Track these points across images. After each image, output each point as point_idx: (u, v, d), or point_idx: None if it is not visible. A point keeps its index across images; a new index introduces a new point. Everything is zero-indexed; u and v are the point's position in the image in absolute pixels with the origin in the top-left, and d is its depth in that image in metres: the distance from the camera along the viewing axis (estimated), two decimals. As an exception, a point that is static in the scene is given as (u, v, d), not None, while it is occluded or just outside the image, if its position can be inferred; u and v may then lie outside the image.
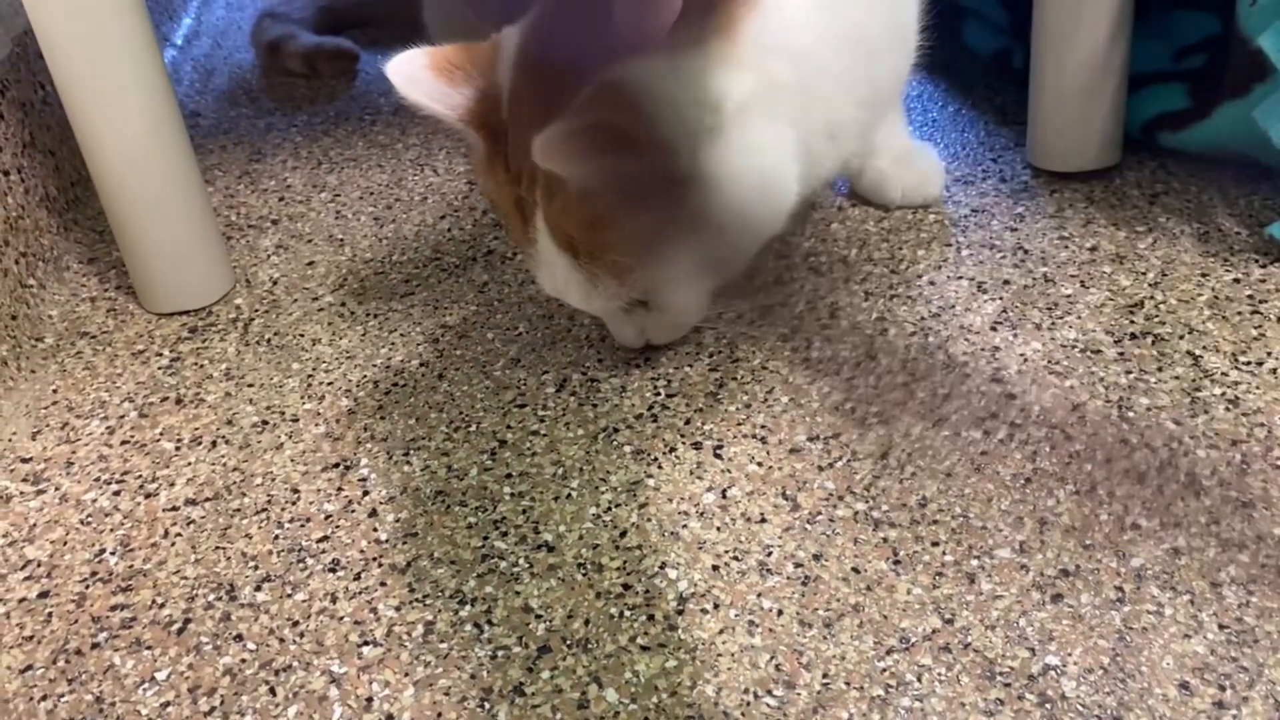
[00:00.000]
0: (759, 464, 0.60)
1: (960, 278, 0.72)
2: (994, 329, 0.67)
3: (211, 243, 0.77)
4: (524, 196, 0.58)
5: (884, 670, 0.48)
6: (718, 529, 0.56)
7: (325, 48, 1.07)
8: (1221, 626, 0.48)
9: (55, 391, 0.70)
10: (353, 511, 0.59)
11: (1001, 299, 0.70)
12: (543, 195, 0.57)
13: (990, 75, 0.96)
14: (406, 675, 0.50)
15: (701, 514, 0.57)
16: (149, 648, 0.53)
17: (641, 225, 0.58)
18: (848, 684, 0.48)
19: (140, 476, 0.63)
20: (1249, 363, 0.62)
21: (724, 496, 0.58)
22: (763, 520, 0.56)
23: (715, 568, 0.54)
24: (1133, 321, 0.67)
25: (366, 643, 0.52)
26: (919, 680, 0.48)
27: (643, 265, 0.59)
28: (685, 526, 0.56)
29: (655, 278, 0.60)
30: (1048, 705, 0.46)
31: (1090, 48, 0.76)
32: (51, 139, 0.86)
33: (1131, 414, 0.60)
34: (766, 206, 0.61)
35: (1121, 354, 0.64)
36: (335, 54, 1.07)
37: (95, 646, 0.53)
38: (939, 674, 0.48)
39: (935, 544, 0.54)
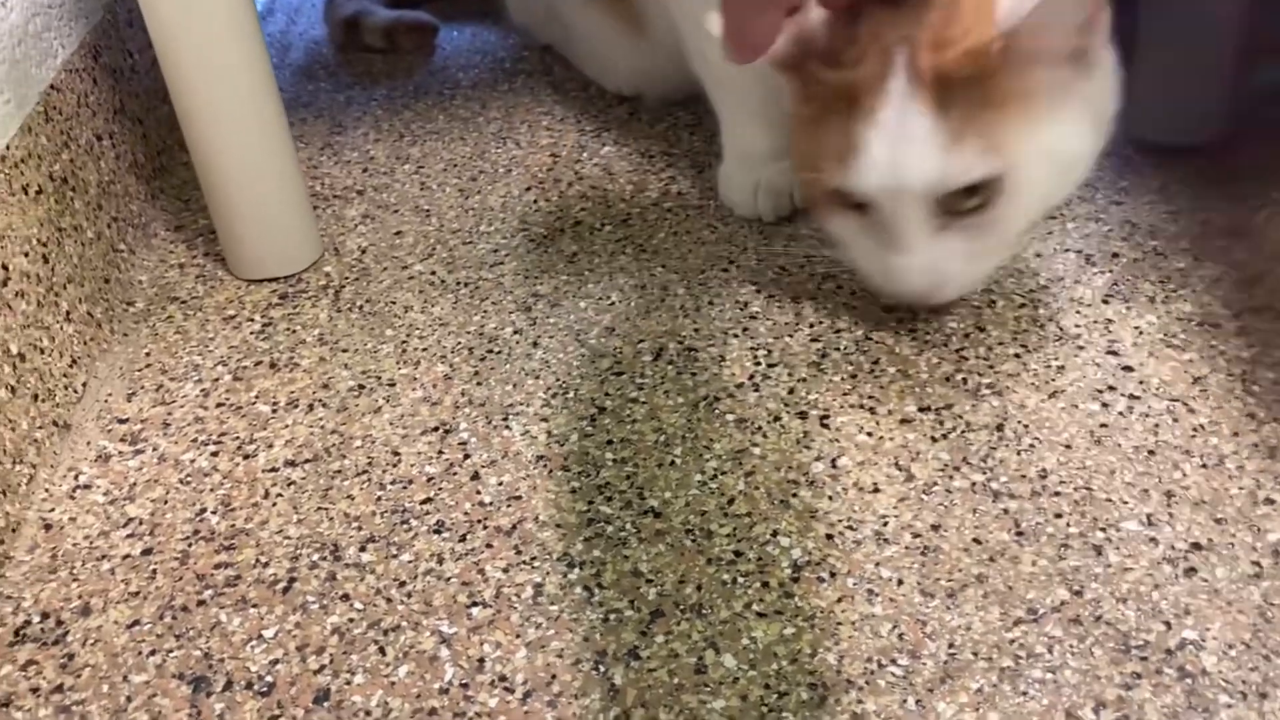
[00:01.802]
0: (869, 434, 0.58)
1: (1067, 250, 0.70)
2: (1105, 302, 0.65)
3: (302, 210, 0.77)
4: (879, 70, 0.56)
5: (1012, 641, 0.47)
6: (829, 498, 0.55)
7: (405, 21, 1.07)
8: (1370, 604, 0.46)
9: (148, 354, 0.70)
10: (454, 474, 0.58)
11: (1111, 272, 0.67)
12: (936, 47, 0.55)
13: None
14: (518, 637, 0.49)
15: (811, 483, 0.56)
16: (255, 606, 0.52)
17: (1043, 82, 0.55)
18: (975, 654, 0.46)
19: (238, 438, 0.63)
20: (1378, 338, 0.60)
21: (834, 466, 0.56)
22: (876, 490, 0.55)
23: (829, 536, 0.53)
24: (1252, 295, 0.64)
25: (475, 604, 0.51)
26: (1050, 652, 0.46)
27: (1023, 126, 0.55)
28: (795, 495, 0.55)
29: (1025, 151, 0.55)
30: (1188, 680, 0.44)
31: (1199, 19, 0.73)
32: (140, 107, 0.86)
33: (1257, 388, 0.58)
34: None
35: (1242, 328, 0.62)
36: (415, 27, 1.07)
37: (201, 604, 0.53)
38: (1070, 646, 0.46)
39: (1058, 515, 0.52)
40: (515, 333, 0.69)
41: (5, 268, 0.60)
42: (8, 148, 0.64)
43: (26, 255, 0.63)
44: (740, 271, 0.72)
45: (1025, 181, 0.57)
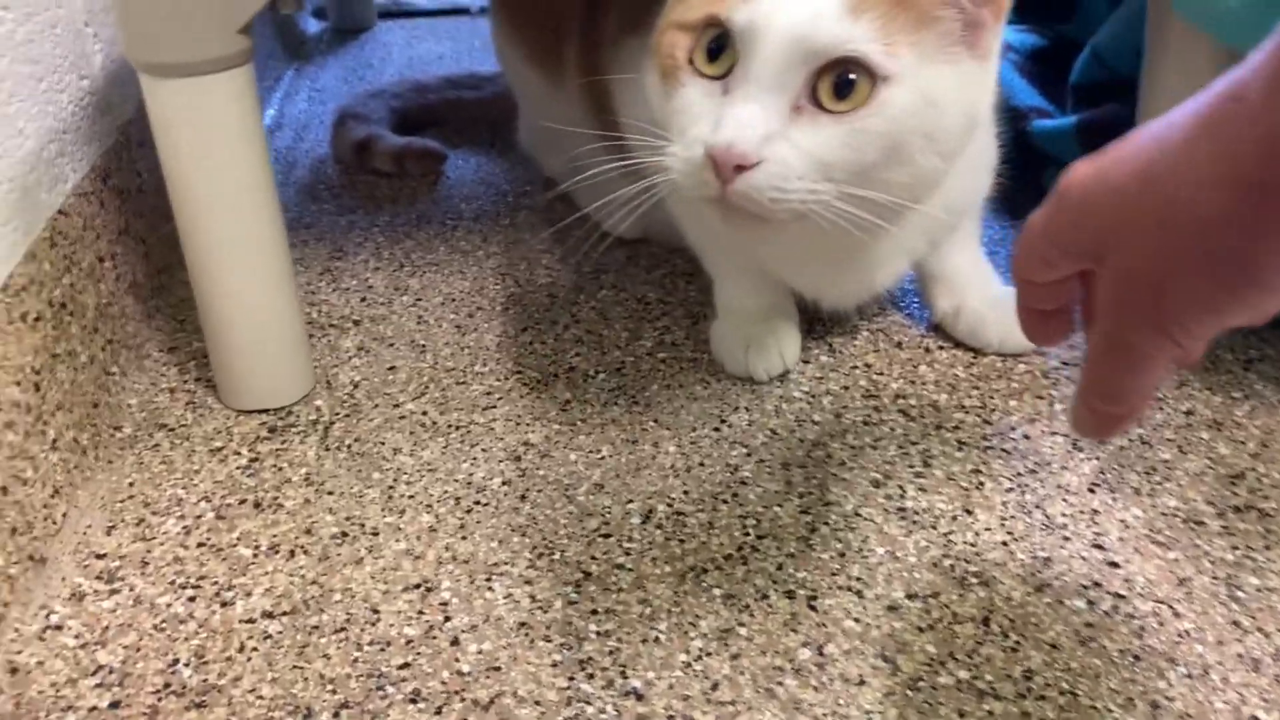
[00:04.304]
0: (856, 619, 0.58)
1: (1054, 433, 0.71)
2: (1092, 490, 0.66)
3: (297, 343, 0.77)
4: None
5: None
6: (814, 689, 0.54)
7: (414, 147, 1.08)
8: (1355, 840, 0.46)
9: (132, 485, 0.70)
10: (434, 638, 0.58)
11: (1098, 459, 0.68)
12: None
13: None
14: (491, 826, 0.48)
15: (797, 671, 0.55)
16: (221, 772, 0.51)
17: (946, 22, 0.56)
18: None
19: (216, 583, 0.62)
20: (1360, 547, 0.61)
21: (820, 653, 0.56)
22: (862, 683, 0.54)
23: (813, 730, 0.52)
24: (1235, 494, 0.65)
25: (449, 786, 0.50)
26: None
27: (917, 44, 0.55)
28: (780, 684, 0.54)
29: (909, 71, 0.55)
30: None
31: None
32: (144, 226, 0.87)
33: (1241, 594, 0.58)
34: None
35: (1226, 527, 0.63)
36: (424, 154, 1.08)
37: (166, 766, 0.51)
38: None
39: (1043, 722, 0.52)
40: (504, 483, 0.69)
41: (-3, 400, 0.60)
42: (10, 276, 0.64)
43: (18, 384, 0.63)
44: (732, 431, 0.73)
45: (898, 104, 0.55)
